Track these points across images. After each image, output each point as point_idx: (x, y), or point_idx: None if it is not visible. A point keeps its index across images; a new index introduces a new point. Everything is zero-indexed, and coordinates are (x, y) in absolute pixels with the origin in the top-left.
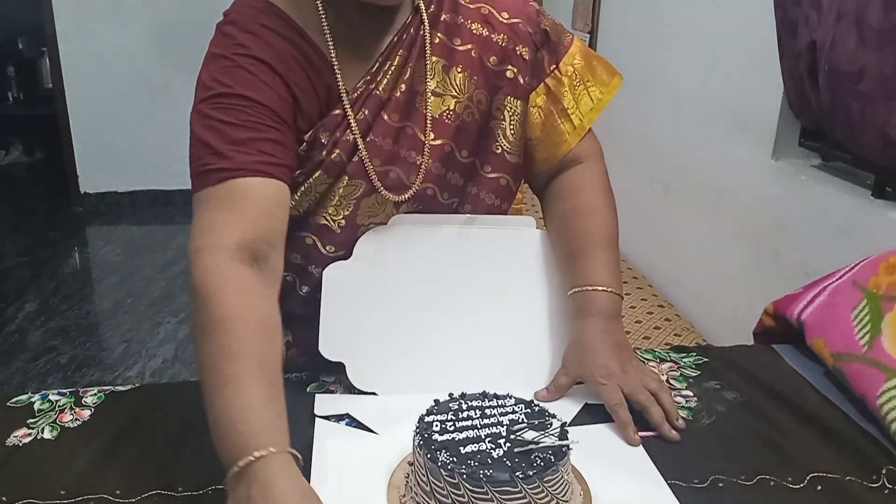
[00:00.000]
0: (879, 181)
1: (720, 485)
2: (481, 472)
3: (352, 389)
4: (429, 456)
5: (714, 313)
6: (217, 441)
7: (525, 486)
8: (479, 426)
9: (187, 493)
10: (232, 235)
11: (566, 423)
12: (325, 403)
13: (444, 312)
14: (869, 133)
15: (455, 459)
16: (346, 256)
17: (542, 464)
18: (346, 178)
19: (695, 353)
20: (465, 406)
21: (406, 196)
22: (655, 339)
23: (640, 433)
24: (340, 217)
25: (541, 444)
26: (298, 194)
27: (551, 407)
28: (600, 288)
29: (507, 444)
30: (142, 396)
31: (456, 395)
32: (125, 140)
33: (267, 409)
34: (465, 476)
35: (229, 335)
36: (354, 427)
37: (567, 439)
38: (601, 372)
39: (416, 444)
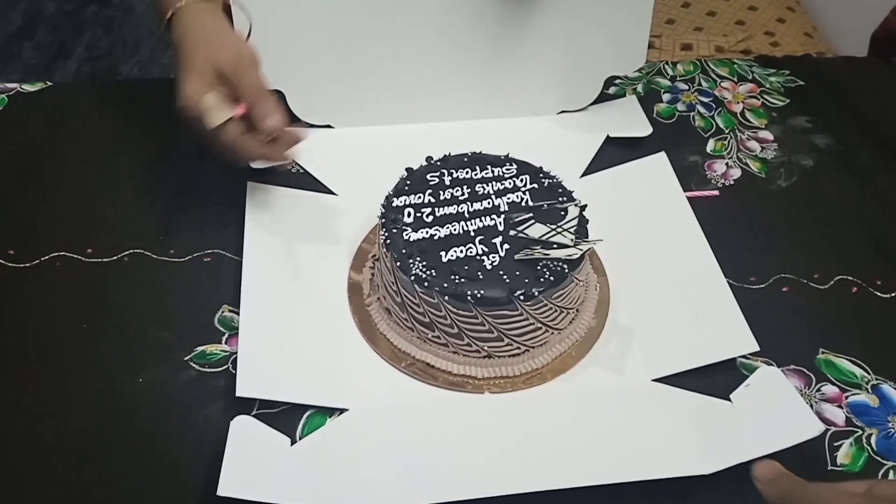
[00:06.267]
0: None
1: (784, 288)
2: (469, 291)
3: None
4: (398, 264)
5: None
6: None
7: (526, 307)
8: (466, 215)
9: (97, 260)
10: None
11: (585, 205)
12: None
13: (410, 18)
14: None
15: (434, 272)
16: None
17: (551, 277)
18: None
19: (786, 71)
20: (447, 179)
21: None
22: (751, 25)
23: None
24: None
25: (550, 255)
26: None
27: (565, 155)
28: None
29: (506, 247)
30: (52, 102)
31: (435, 159)
32: None
33: None
34: (447, 297)
35: None
36: (295, 189)
37: (587, 235)
38: None
39: (382, 240)
